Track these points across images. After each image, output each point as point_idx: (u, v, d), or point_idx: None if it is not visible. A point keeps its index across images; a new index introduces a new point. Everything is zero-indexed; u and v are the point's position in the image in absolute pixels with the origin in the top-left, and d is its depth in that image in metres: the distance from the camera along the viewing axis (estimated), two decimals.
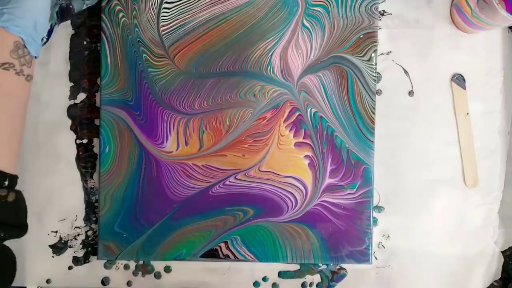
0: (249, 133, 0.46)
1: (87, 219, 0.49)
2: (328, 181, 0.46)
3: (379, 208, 0.49)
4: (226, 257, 0.46)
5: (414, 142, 0.49)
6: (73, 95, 0.49)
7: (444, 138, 0.49)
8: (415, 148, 0.49)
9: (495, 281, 0.50)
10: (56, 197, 0.49)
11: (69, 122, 0.49)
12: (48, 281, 0.49)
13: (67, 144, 0.49)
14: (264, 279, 0.49)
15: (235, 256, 0.46)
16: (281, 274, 0.49)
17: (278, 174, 0.46)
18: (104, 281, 0.49)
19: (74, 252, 0.49)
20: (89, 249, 0.49)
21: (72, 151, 0.49)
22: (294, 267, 0.49)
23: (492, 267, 0.49)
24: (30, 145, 0.49)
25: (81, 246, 0.49)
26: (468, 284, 0.49)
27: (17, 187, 0.50)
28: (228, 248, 0.46)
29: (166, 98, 0.46)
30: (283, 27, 0.46)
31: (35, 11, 0.38)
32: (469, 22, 0.45)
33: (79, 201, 0.49)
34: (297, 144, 0.46)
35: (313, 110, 0.46)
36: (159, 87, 0.46)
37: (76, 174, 0.49)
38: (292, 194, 0.46)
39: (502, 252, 0.49)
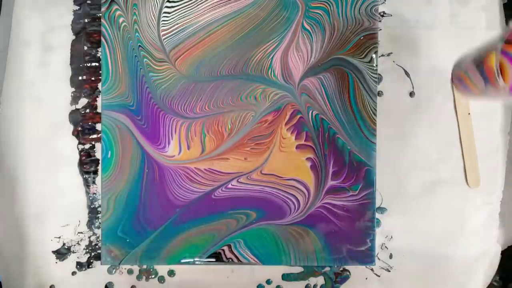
0: (251, 136, 0.46)
1: (90, 224, 0.49)
2: (330, 183, 0.46)
3: (381, 210, 0.49)
4: (230, 261, 0.46)
5: (416, 142, 0.49)
6: (74, 101, 0.49)
7: (445, 138, 0.49)
8: (416, 149, 0.49)
9: (495, 280, 0.50)
10: (59, 203, 0.49)
11: (70, 125, 0.49)
12: (51, 287, 0.49)
13: (68, 148, 0.49)
14: (268, 281, 0.49)
15: (238, 259, 0.46)
16: (285, 277, 0.49)
17: (280, 177, 0.46)
18: (108, 286, 0.49)
19: (78, 257, 0.49)
20: (93, 254, 0.49)
21: (74, 155, 0.49)
22: (298, 269, 0.49)
23: (493, 267, 0.49)
24: (32, 148, 0.49)
25: (84, 251, 0.49)
26: (469, 284, 0.49)
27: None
28: (231, 251, 0.46)
29: (168, 102, 0.46)
30: (283, 30, 0.46)
31: None
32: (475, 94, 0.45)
33: (82, 206, 0.49)
34: (299, 147, 0.46)
35: (315, 112, 0.46)
36: (161, 92, 0.46)
37: (79, 179, 0.49)
38: (295, 196, 0.46)
39: (502, 252, 0.49)
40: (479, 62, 0.39)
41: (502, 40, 0.34)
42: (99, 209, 0.48)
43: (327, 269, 0.49)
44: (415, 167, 0.49)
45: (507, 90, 0.36)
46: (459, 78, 0.45)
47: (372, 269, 0.49)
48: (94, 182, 0.49)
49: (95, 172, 0.49)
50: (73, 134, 0.49)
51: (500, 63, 0.38)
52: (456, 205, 0.49)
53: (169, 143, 0.46)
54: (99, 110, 0.49)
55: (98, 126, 0.49)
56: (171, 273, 0.49)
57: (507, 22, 0.49)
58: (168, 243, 0.46)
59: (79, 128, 0.49)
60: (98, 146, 0.49)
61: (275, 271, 0.49)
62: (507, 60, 0.38)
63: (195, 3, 0.46)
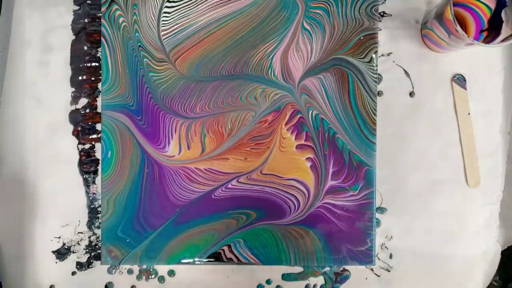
0: (251, 136, 0.46)
1: (90, 224, 0.49)
2: (330, 183, 0.46)
3: (381, 209, 0.49)
4: (230, 261, 0.46)
5: (416, 142, 0.49)
6: (74, 101, 0.49)
7: (445, 138, 0.49)
8: (416, 148, 0.49)
9: (494, 280, 0.50)
10: (59, 203, 0.49)
11: (70, 125, 0.49)
12: (51, 287, 0.49)
13: (68, 148, 0.49)
14: (268, 281, 0.49)
15: (238, 260, 0.46)
16: (285, 277, 0.49)
17: (280, 177, 0.46)
18: (108, 286, 0.49)
19: (78, 257, 0.49)
20: (93, 254, 0.49)
21: (74, 155, 0.49)
22: (298, 269, 0.49)
23: (493, 267, 0.49)
24: (32, 148, 0.49)
25: (84, 251, 0.49)
26: (469, 284, 0.49)
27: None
28: (231, 251, 0.46)
29: (168, 102, 0.46)
30: (283, 30, 0.46)
31: None
32: (443, 47, 0.46)
33: (82, 206, 0.49)
34: (299, 147, 0.46)
35: (315, 112, 0.46)
36: (161, 92, 0.46)
37: (79, 179, 0.49)
38: (295, 196, 0.46)
39: (502, 252, 0.49)
40: (440, 16, 0.42)
41: None
42: (99, 209, 0.48)
43: (327, 269, 0.49)
44: (415, 167, 0.49)
45: (467, 37, 0.39)
46: (426, 35, 0.47)
47: (372, 269, 0.49)
48: (94, 182, 0.49)
49: (95, 172, 0.49)
50: (73, 134, 0.49)
51: (460, 15, 0.43)
52: (456, 205, 0.49)
53: (169, 143, 0.46)
54: (99, 110, 0.49)
55: (98, 126, 0.49)
56: (171, 273, 0.49)
57: None
58: (168, 243, 0.46)
59: (79, 128, 0.49)
60: (98, 146, 0.49)
61: (275, 271, 0.49)
62: (464, 10, 0.43)
63: (195, 3, 0.46)
